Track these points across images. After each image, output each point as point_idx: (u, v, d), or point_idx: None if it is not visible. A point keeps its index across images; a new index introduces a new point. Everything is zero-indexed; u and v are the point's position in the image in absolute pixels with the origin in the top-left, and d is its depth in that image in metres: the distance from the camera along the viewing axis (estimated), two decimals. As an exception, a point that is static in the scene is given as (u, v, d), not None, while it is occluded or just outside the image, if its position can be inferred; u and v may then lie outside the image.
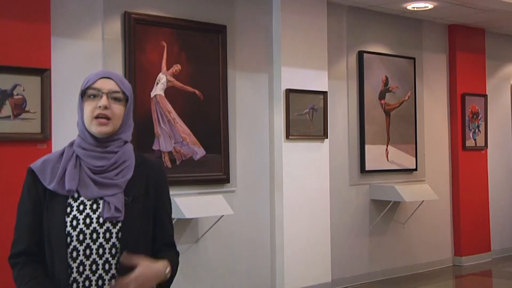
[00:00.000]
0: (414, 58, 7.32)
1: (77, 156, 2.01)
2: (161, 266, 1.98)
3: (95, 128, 1.98)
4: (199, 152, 5.42)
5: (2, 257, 4.22)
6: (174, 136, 5.28)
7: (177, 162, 5.27)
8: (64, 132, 4.64)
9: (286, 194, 5.84)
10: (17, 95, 4.33)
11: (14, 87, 4.32)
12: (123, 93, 2.02)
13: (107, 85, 2.00)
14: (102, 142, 2.00)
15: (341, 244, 6.49)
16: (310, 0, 6.09)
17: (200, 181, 5.41)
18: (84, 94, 2.01)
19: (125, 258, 1.91)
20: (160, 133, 5.19)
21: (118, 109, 2.00)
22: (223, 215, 5.34)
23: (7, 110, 4.29)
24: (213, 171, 5.50)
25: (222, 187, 5.58)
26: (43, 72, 4.42)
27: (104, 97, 1.97)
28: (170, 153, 5.25)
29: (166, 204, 2.14)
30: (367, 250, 6.82)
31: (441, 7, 6.79)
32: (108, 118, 1.98)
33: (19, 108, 4.33)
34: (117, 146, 2.02)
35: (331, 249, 6.18)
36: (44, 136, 4.42)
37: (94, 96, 1.99)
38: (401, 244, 7.15)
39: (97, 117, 1.97)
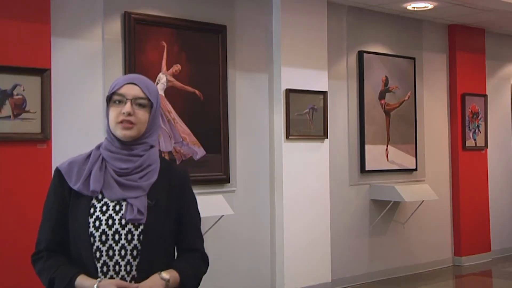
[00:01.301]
0: (414, 58, 7.32)
1: (103, 158, 2.05)
2: (157, 281, 1.96)
3: (120, 132, 2.02)
4: (199, 152, 5.42)
5: (3, 256, 4.24)
6: (174, 136, 5.29)
7: (177, 162, 5.27)
8: (64, 132, 4.65)
9: (286, 194, 5.84)
10: (17, 95, 4.33)
11: (14, 87, 4.32)
12: (148, 99, 2.05)
13: (132, 91, 2.03)
14: (128, 145, 2.04)
15: (341, 244, 6.49)
16: (310, 0, 6.09)
17: (200, 181, 5.41)
18: (110, 100, 2.05)
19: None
20: (160, 133, 5.18)
21: (142, 115, 2.03)
22: (223, 215, 5.34)
23: (7, 110, 4.29)
24: (213, 171, 5.51)
25: (222, 187, 5.58)
26: (43, 72, 4.42)
27: (128, 104, 2.01)
28: (170, 153, 5.25)
29: (191, 210, 2.16)
30: (367, 250, 6.82)
31: (441, 7, 6.79)
32: (131, 123, 2.01)
33: (19, 108, 4.33)
34: (143, 150, 2.06)
35: (331, 249, 6.18)
36: (44, 136, 4.42)
37: (119, 101, 2.03)
38: (401, 244, 7.15)
39: (121, 122, 2.01)
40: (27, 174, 4.30)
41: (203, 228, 5.59)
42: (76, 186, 2.01)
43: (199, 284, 2.14)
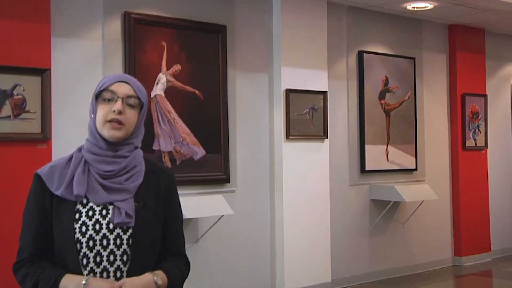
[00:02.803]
0: (414, 58, 7.32)
1: (85, 161, 1.96)
2: (148, 278, 1.92)
3: (107, 132, 1.93)
4: (199, 152, 5.42)
5: (3, 256, 4.23)
6: (174, 136, 5.29)
7: (177, 162, 5.27)
8: (64, 132, 4.65)
9: (286, 194, 5.84)
10: (17, 95, 4.33)
11: (14, 87, 4.32)
12: (139, 99, 1.98)
13: (123, 89, 1.96)
14: (113, 146, 1.96)
15: (341, 244, 6.49)
16: (310, 0, 6.09)
17: (200, 181, 5.41)
18: (99, 97, 1.96)
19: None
20: (160, 133, 5.19)
21: (132, 115, 1.96)
22: (223, 215, 5.34)
23: (7, 110, 4.29)
24: (213, 171, 5.50)
25: (222, 187, 5.58)
26: (43, 72, 4.42)
27: (119, 102, 1.93)
28: (170, 153, 5.25)
29: (177, 213, 2.10)
30: (367, 250, 6.82)
31: (441, 7, 6.79)
32: (121, 123, 1.94)
33: (19, 108, 4.33)
34: (128, 151, 1.98)
35: (331, 249, 6.18)
36: (44, 136, 4.42)
37: (109, 99, 1.95)
38: (401, 244, 7.15)
39: (110, 121, 1.93)
40: (27, 174, 4.28)
41: (203, 228, 5.62)
42: (58, 191, 1.92)
43: None
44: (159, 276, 1.94)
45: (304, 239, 5.93)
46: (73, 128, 4.70)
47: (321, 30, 6.19)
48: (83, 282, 1.84)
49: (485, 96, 8.04)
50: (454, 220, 7.72)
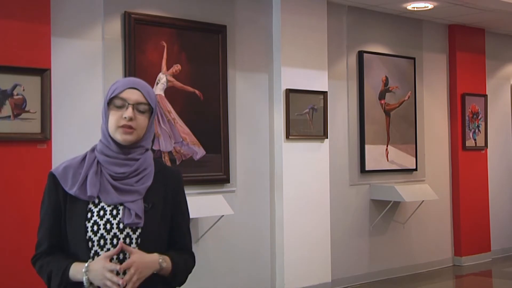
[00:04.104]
0: (414, 58, 7.32)
1: (98, 162, 2.04)
2: (154, 257, 2.01)
3: (120, 136, 2.01)
4: (199, 152, 5.42)
5: (3, 255, 4.23)
6: (174, 136, 5.29)
7: (177, 162, 5.27)
8: (64, 132, 4.65)
9: (286, 194, 5.84)
10: (17, 95, 4.33)
11: (14, 87, 4.32)
12: (148, 104, 2.05)
13: (134, 96, 2.03)
14: (125, 149, 2.04)
15: (341, 244, 6.49)
16: (310, 0, 6.09)
17: (200, 181, 5.41)
18: (110, 103, 2.03)
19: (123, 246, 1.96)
20: (160, 133, 5.19)
21: (142, 120, 2.04)
22: (223, 215, 5.34)
23: (7, 110, 4.29)
24: (213, 171, 5.50)
25: (222, 187, 5.58)
26: (43, 72, 4.42)
27: (130, 109, 2.01)
28: (170, 153, 5.25)
29: (183, 212, 2.19)
30: (367, 250, 6.82)
31: (441, 7, 6.79)
32: (132, 128, 2.01)
33: (19, 108, 4.33)
34: (139, 154, 2.06)
35: (331, 249, 6.18)
36: (44, 136, 4.42)
37: (120, 106, 2.02)
38: (401, 244, 7.15)
39: (122, 126, 2.01)
40: (27, 174, 4.30)
41: (203, 228, 5.62)
42: (72, 190, 2.01)
43: (184, 281, 2.16)
44: (165, 260, 2.03)
45: (304, 239, 5.93)
46: (73, 128, 4.70)
47: (321, 30, 6.19)
48: (84, 270, 1.94)
49: (485, 96, 8.04)
50: (454, 220, 7.72)
